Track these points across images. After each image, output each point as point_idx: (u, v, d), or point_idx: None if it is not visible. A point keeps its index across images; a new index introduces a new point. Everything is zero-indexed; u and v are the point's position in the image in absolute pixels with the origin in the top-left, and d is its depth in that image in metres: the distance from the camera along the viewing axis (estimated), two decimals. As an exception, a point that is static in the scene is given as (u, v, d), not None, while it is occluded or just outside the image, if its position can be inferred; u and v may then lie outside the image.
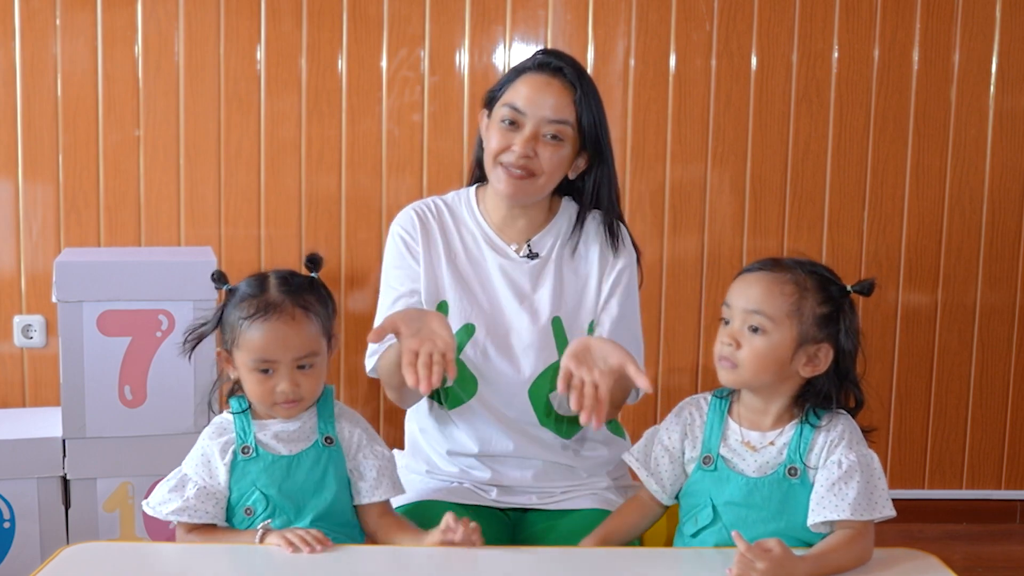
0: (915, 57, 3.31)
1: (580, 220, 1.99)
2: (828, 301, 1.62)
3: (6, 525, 2.72)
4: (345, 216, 3.24)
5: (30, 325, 3.16)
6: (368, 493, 1.73)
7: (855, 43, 3.29)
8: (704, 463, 1.66)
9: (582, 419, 1.60)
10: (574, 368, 1.64)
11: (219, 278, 1.72)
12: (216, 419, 1.73)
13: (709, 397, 1.72)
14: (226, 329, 1.69)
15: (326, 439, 1.71)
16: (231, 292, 1.71)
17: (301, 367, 1.67)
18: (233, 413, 1.71)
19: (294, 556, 1.55)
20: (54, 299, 2.67)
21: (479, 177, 2.05)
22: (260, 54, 3.18)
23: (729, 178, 3.32)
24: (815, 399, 1.63)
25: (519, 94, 1.91)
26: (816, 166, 3.33)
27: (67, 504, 2.73)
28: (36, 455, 2.71)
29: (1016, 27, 3.31)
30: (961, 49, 3.31)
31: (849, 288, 1.63)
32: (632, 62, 3.26)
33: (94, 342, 2.67)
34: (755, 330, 1.61)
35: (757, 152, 3.32)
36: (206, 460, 1.68)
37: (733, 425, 1.67)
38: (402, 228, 2.01)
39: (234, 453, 1.67)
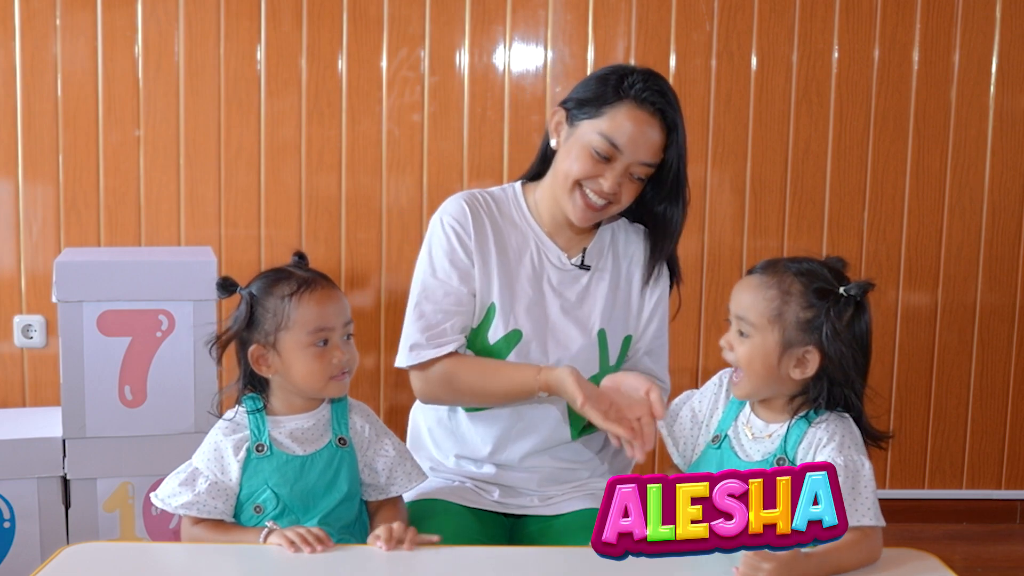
0: (915, 57, 3.31)
1: (629, 233, 1.99)
2: (813, 305, 1.61)
3: (6, 525, 2.72)
4: (345, 216, 3.24)
5: (30, 325, 3.16)
6: (378, 492, 1.76)
7: (855, 43, 3.29)
8: (713, 441, 1.69)
9: (628, 452, 1.70)
10: (619, 414, 1.73)
11: (229, 284, 1.71)
12: (229, 414, 1.72)
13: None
14: (265, 319, 1.68)
15: (339, 440, 1.71)
16: (250, 291, 1.70)
17: (347, 337, 1.69)
18: (248, 412, 1.70)
19: (295, 556, 1.55)
20: (54, 299, 2.67)
21: (537, 174, 2.00)
22: (260, 54, 3.18)
23: (729, 178, 3.32)
24: (812, 403, 1.64)
25: (621, 129, 1.84)
26: (816, 166, 3.33)
27: (67, 504, 2.73)
28: (36, 455, 2.70)
29: (1016, 27, 3.31)
30: (961, 49, 3.31)
31: (841, 290, 1.62)
32: (632, 62, 3.26)
33: (94, 342, 2.67)
34: (743, 334, 1.64)
35: (757, 152, 3.32)
36: (219, 456, 1.68)
37: (746, 410, 1.69)
38: (454, 219, 1.92)
39: (248, 451, 1.67)
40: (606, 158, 1.84)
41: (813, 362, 1.61)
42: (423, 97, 3.23)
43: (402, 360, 1.90)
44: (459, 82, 3.23)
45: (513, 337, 1.90)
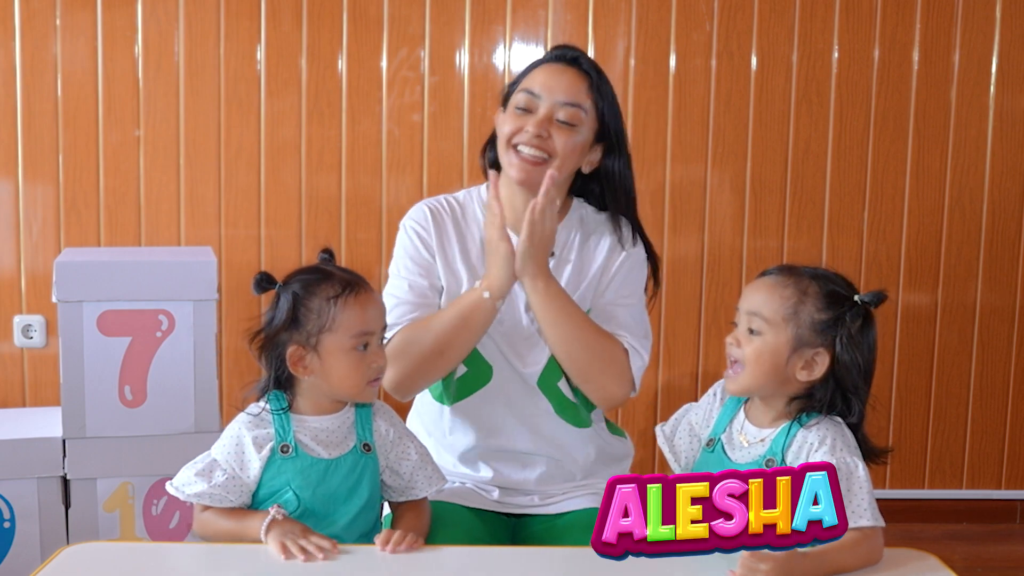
0: (915, 57, 3.31)
1: (593, 217, 1.99)
2: (828, 308, 1.62)
3: (6, 525, 2.72)
4: (345, 216, 3.24)
5: (30, 325, 3.16)
6: (398, 495, 1.76)
7: (855, 43, 3.29)
8: (707, 445, 1.70)
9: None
10: None
11: (267, 281, 1.68)
12: (253, 408, 1.68)
13: None
14: (308, 320, 1.65)
15: (364, 446, 1.70)
16: (291, 289, 1.66)
17: (380, 340, 1.69)
18: (272, 411, 1.67)
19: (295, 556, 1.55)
20: (54, 299, 2.67)
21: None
22: (260, 54, 3.18)
23: (729, 178, 3.32)
24: (812, 405, 1.64)
25: (534, 80, 1.92)
26: (816, 166, 3.33)
27: (67, 504, 2.73)
28: (36, 455, 2.70)
29: (1016, 27, 3.31)
30: (961, 49, 3.31)
31: (857, 298, 1.63)
32: (632, 62, 3.26)
33: (94, 342, 2.67)
34: (754, 332, 1.64)
35: (757, 152, 3.32)
36: (240, 450, 1.65)
37: (741, 415, 1.69)
38: (416, 223, 1.99)
39: (272, 450, 1.64)
40: (527, 110, 1.91)
41: (822, 365, 1.62)
42: (423, 97, 3.23)
43: None
44: (459, 82, 3.23)
45: None
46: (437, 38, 3.21)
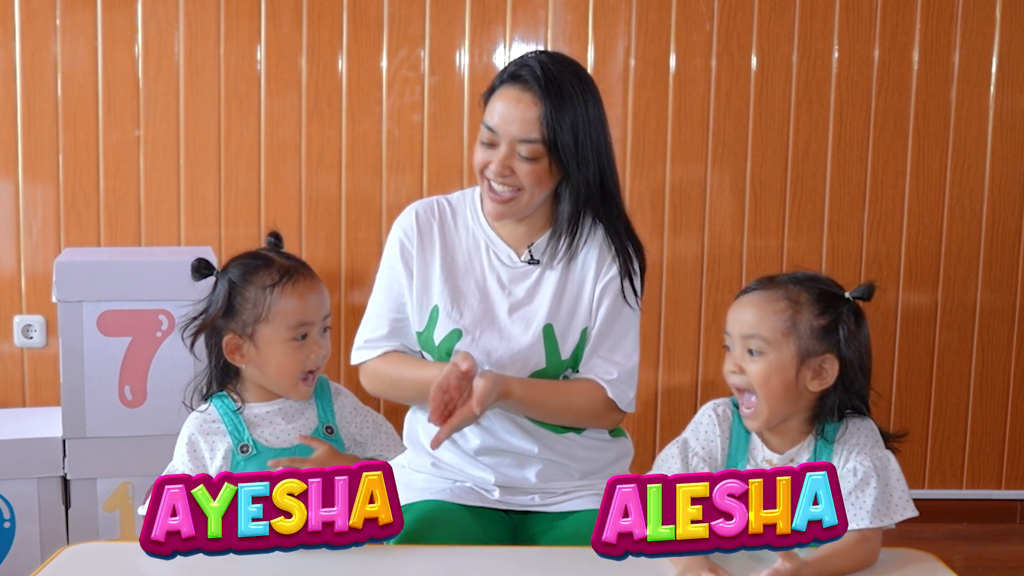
0: (915, 57, 3.31)
1: (578, 225, 1.96)
2: (825, 312, 1.58)
3: (6, 525, 2.72)
4: (345, 216, 3.24)
5: (30, 325, 3.16)
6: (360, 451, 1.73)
7: (855, 43, 3.29)
8: None
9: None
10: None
11: (205, 267, 1.65)
12: (203, 407, 1.65)
13: (730, 407, 1.66)
14: (244, 308, 1.62)
15: (327, 428, 1.68)
16: (228, 276, 1.64)
17: (324, 330, 1.65)
18: (222, 416, 1.64)
19: (292, 556, 1.54)
20: (54, 299, 2.68)
21: None
22: (260, 54, 3.18)
23: (729, 178, 3.32)
24: (828, 414, 1.60)
25: (494, 112, 1.91)
26: (816, 166, 3.33)
27: (67, 504, 2.73)
28: (36, 455, 2.71)
29: (1016, 27, 3.31)
30: (961, 49, 3.31)
31: (848, 295, 1.60)
32: (632, 62, 3.26)
33: (94, 342, 2.67)
34: (755, 353, 1.58)
35: (757, 152, 3.32)
36: (195, 451, 1.62)
37: (756, 441, 1.64)
38: (401, 230, 2.01)
39: (232, 452, 1.62)
40: (490, 144, 1.91)
41: (832, 370, 1.58)
42: (423, 97, 3.23)
43: (351, 359, 2.03)
44: (459, 82, 3.23)
45: (454, 336, 1.94)
46: (437, 38, 3.21)
